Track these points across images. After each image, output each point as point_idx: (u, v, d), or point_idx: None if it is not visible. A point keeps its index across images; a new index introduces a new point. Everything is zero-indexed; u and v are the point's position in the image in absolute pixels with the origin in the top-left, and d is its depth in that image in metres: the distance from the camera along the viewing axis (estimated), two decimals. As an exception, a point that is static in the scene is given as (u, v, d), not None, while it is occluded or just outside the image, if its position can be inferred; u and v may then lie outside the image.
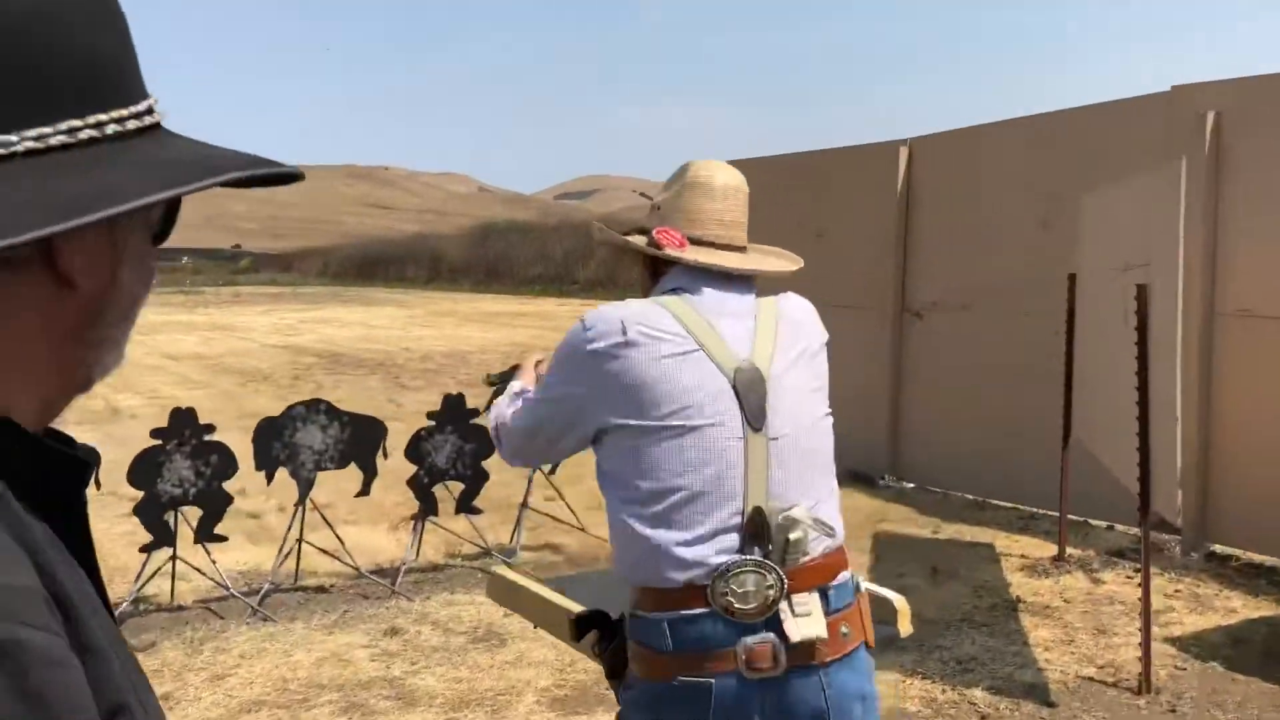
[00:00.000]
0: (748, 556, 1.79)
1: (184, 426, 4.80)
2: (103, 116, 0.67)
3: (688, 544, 1.80)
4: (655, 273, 2.03)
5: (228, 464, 4.91)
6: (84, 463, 0.70)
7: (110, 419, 10.87)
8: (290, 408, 5.14)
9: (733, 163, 2.13)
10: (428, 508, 5.48)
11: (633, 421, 1.84)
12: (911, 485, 7.77)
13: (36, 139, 0.64)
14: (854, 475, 7.95)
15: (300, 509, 5.19)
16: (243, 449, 5.11)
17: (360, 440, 5.25)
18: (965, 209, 7.45)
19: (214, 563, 5.04)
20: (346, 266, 62.45)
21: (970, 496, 7.31)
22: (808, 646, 1.80)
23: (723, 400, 1.84)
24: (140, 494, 4.77)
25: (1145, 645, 4.12)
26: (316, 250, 74.16)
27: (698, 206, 1.99)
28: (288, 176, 0.71)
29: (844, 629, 1.87)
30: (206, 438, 4.86)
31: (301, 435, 5.09)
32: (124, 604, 4.86)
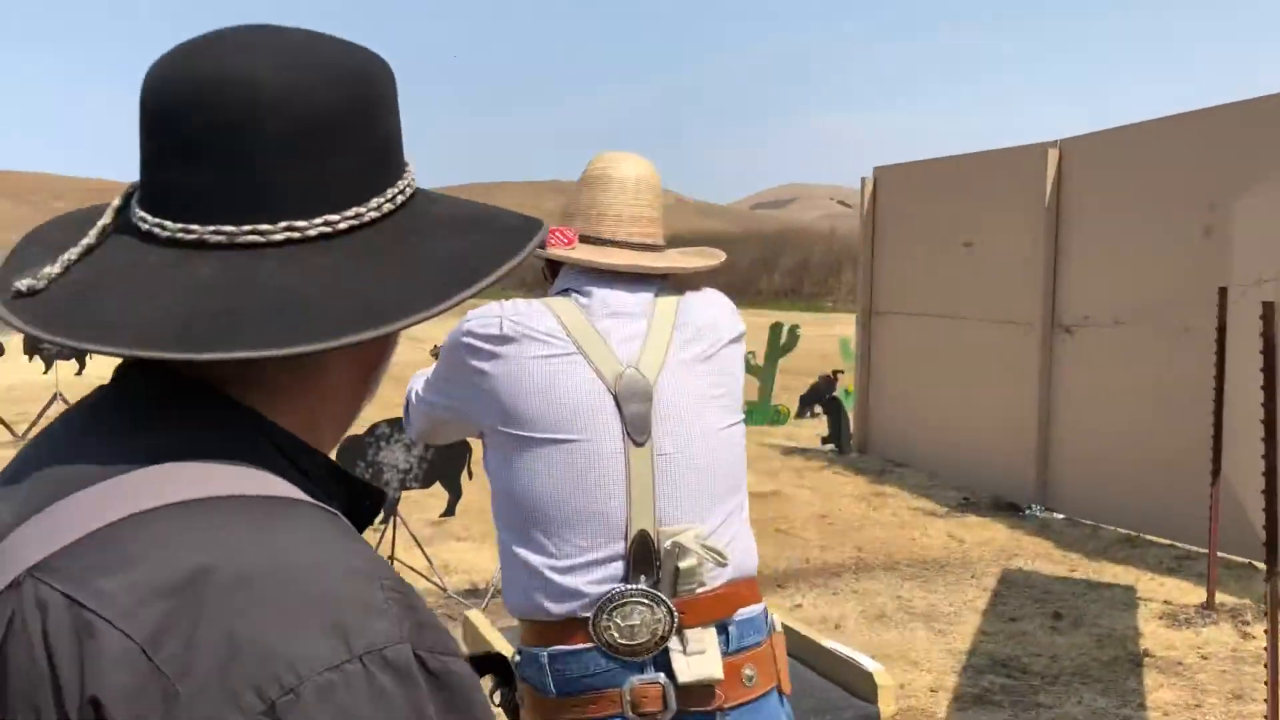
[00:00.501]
0: (633, 586, 1.61)
1: None
2: (397, 187, 0.76)
3: (563, 571, 1.62)
4: (553, 275, 1.87)
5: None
6: (382, 494, 0.78)
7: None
8: (374, 426, 5.12)
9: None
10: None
11: (502, 428, 1.67)
12: (1061, 517, 7.14)
13: (354, 215, 0.72)
14: (996, 503, 7.39)
15: (385, 528, 5.16)
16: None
17: (446, 459, 5.19)
18: (1121, 215, 6.80)
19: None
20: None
21: (1122, 531, 6.65)
22: (701, 689, 1.61)
23: (601, 411, 1.64)
24: None
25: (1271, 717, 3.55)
26: (522, 264, 76.43)
27: (592, 201, 1.81)
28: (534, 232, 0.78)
29: (748, 671, 1.66)
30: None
31: (385, 454, 5.07)
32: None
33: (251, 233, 0.69)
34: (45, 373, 10.75)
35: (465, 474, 5.23)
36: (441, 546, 6.08)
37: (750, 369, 11.37)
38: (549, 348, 1.67)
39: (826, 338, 19.66)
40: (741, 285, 44.16)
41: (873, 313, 9.44)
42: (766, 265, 43.88)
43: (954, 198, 8.26)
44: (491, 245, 0.75)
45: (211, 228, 0.69)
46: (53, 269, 0.70)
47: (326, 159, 0.71)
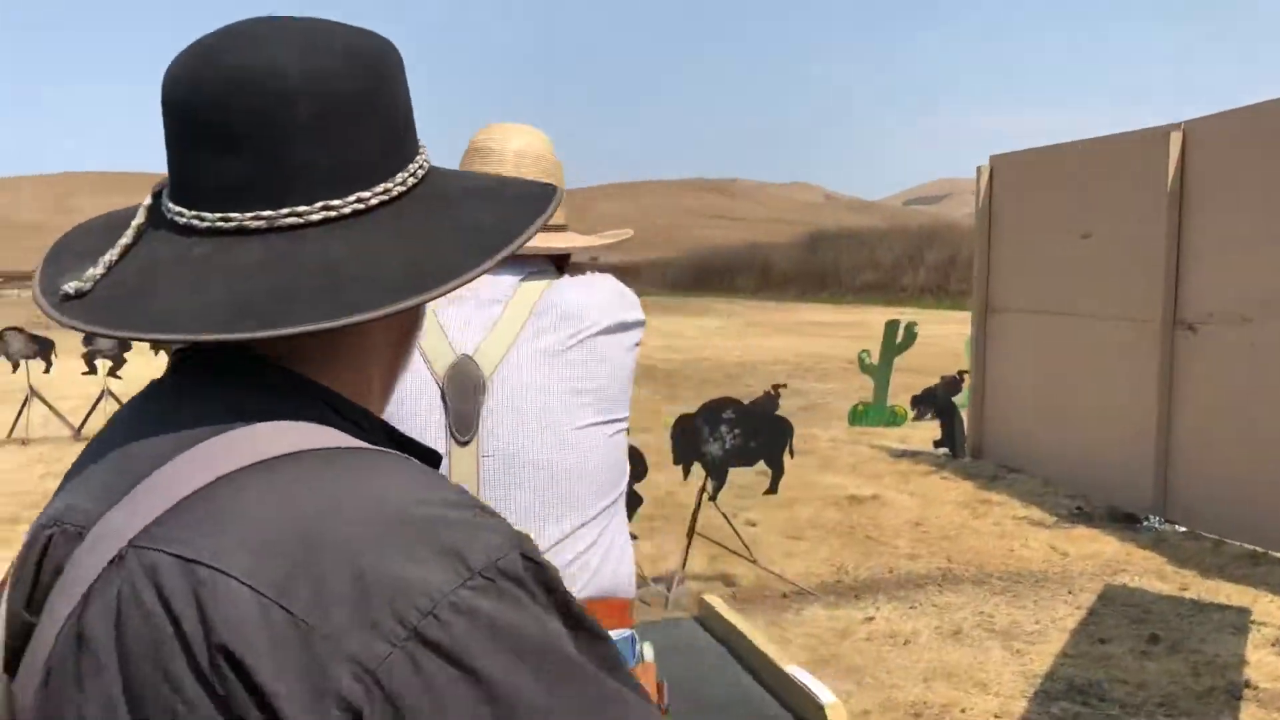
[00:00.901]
0: None
1: None
2: (416, 162, 0.80)
3: None
4: None
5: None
6: (437, 455, 0.80)
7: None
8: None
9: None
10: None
11: None
12: (1181, 530, 6.60)
13: (383, 191, 0.76)
14: (1112, 514, 6.90)
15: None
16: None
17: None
18: (1249, 202, 6.23)
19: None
20: (683, 276, 64.05)
21: (1247, 547, 6.09)
22: None
23: (424, 406, 1.50)
24: None
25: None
26: (659, 262, 76.65)
27: None
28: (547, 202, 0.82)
29: None
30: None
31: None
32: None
33: (290, 215, 0.73)
34: (84, 373, 11.12)
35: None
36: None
37: (865, 368, 11.00)
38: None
39: (964, 336, 18.96)
40: (885, 281, 43.03)
41: (988, 310, 8.97)
42: (912, 261, 42.70)
43: (1072, 187, 7.76)
44: (514, 210, 0.79)
45: (250, 214, 0.73)
46: (95, 270, 0.74)
47: (353, 139, 0.75)
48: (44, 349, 10.36)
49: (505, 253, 0.75)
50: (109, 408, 10.76)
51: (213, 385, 0.74)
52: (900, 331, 10.70)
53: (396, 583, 0.61)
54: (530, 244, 1.58)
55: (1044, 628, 4.87)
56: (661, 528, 6.54)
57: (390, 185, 0.77)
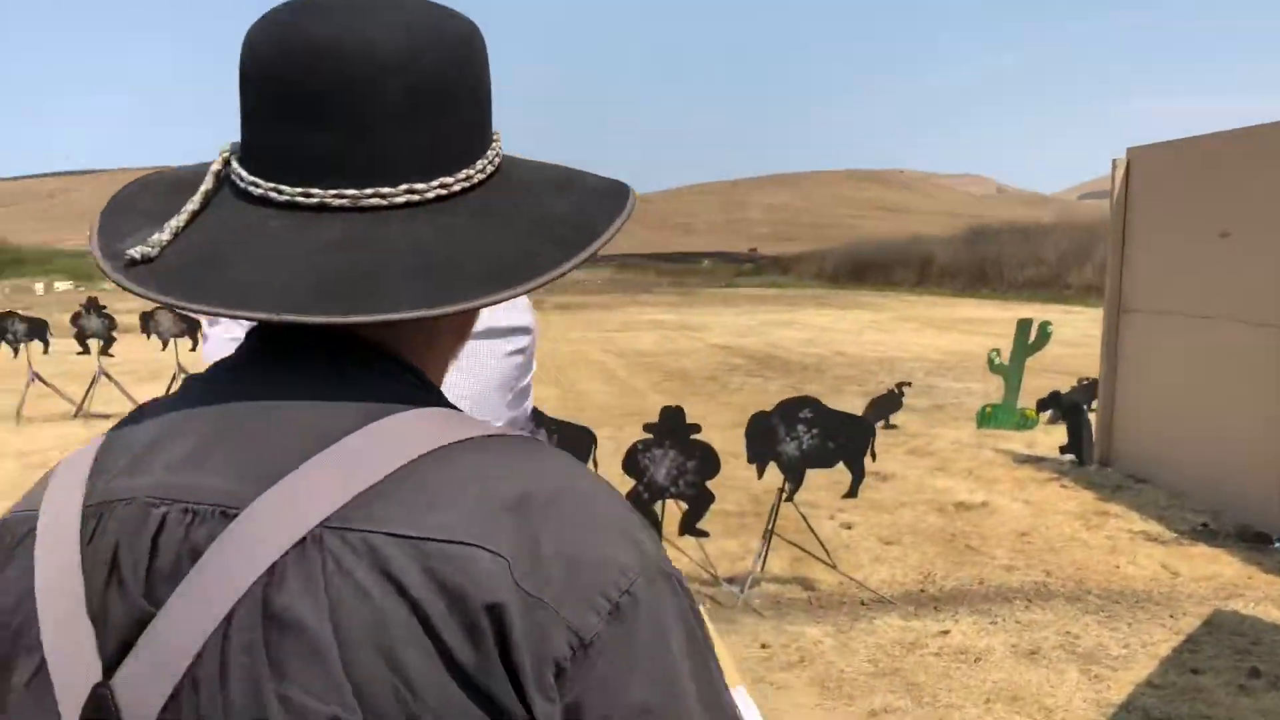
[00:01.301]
0: None
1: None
2: (494, 149, 0.79)
3: None
4: None
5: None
6: None
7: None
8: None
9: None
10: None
11: None
12: (1318, 553, 6.08)
13: (465, 178, 0.75)
14: (1242, 533, 6.41)
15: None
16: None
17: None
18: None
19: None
20: (840, 269, 63.02)
21: (1388, 577, 5.56)
22: None
23: None
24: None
25: None
26: (815, 254, 75.60)
27: None
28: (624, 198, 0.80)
29: None
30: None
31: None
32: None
33: (374, 195, 0.71)
34: (164, 349, 11.22)
35: (591, 464, 5.10)
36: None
37: (995, 368, 10.55)
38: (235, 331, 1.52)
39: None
40: (1049, 278, 41.21)
41: (1120, 310, 8.46)
42: (1078, 258, 40.76)
43: (1212, 181, 7.23)
44: (594, 205, 0.77)
45: (333, 191, 0.70)
46: (162, 236, 0.71)
47: (439, 121, 0.73)
48: (192, 328, 10.87)
49: (589, 251, 0.73)
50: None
51: (325, 366, 0.71)
52: (1033, 331, 10.22)
53: (600, 561, 0.64)
54: None
55: (1132, 652, 4.55)
56: (751, 525, 6.42)
57: (472, 172, 0.75)
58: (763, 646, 4.65)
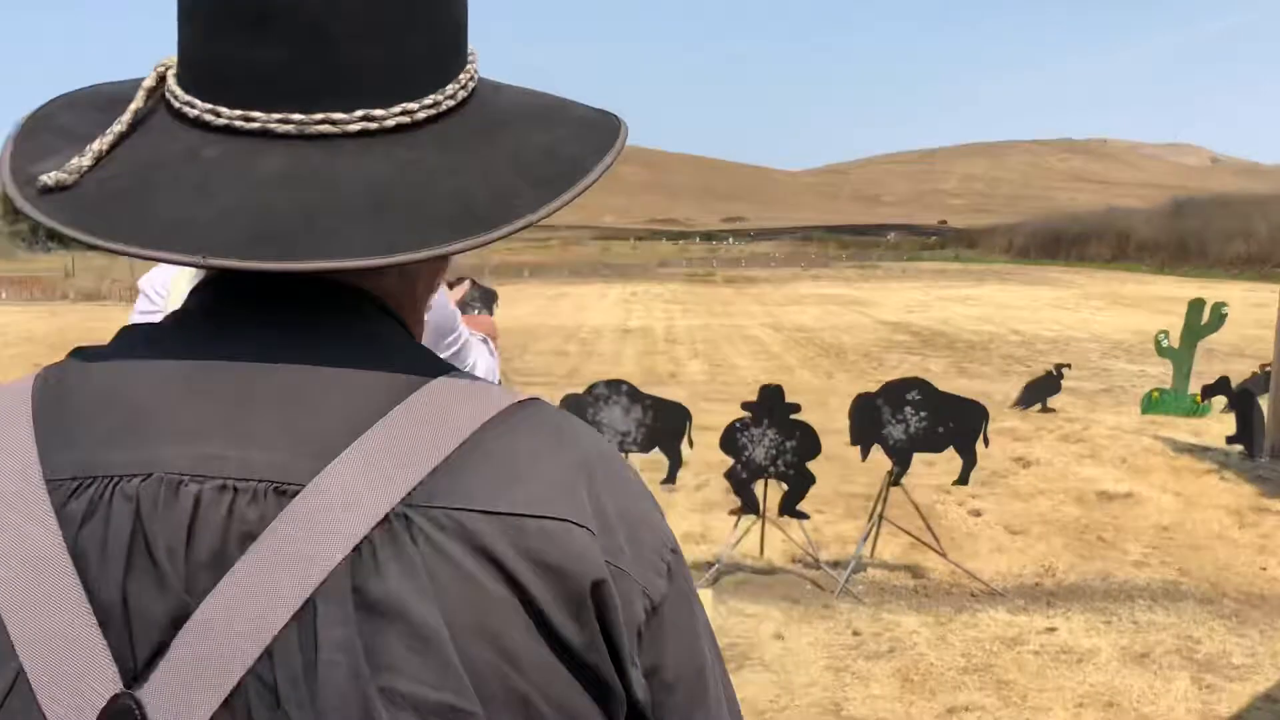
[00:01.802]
0: None
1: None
2: (467, 73, 0.70)
3: None
4: None
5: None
6: None
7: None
8: (593, 386, 5.12)
9: None
10: (747, 505, 5.10)
11: None
12: None
13: (432, 104, 0.66)
14: None
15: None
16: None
17: (665, 425, 5.08)
18: None
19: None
20: (1031, 243, 60.47)
21: None
22: None
23: None
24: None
25: None
26: (1005, 227, 72.68)
27: None
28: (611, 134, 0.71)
29: None
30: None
31: (604, 414, 5.05)
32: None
33: (324, 122, 0.62)
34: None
35: (686, 441, 5.05)
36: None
37: (1162, 351, 9.90)
38: (149, 305, 1.53)
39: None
40: (1260, 255, 38.31)
41: (1300, 290, 7.78)
42: (1293, 233, 37.75)
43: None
44: (579, 139, 0.68)
45: (278, 115, 0.62)
46: (82, 161, 0.63)
47: (404, 38, 0.64)
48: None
49: (574, 193, 0.65)
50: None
51: (307, 318, 0.63)
52: (1206, 312, 9.52)
53: (652, 526, 0.64)
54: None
55: (1257, 662, 4.19)
56: (867, 508, 6.23)
57: (440, 97, 0.66)
58: (854, 634, 4.51)
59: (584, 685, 0.59)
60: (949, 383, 11.32)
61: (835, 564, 5.33)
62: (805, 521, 5.19)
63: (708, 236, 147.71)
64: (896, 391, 5.03)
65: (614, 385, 5.04)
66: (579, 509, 0.60)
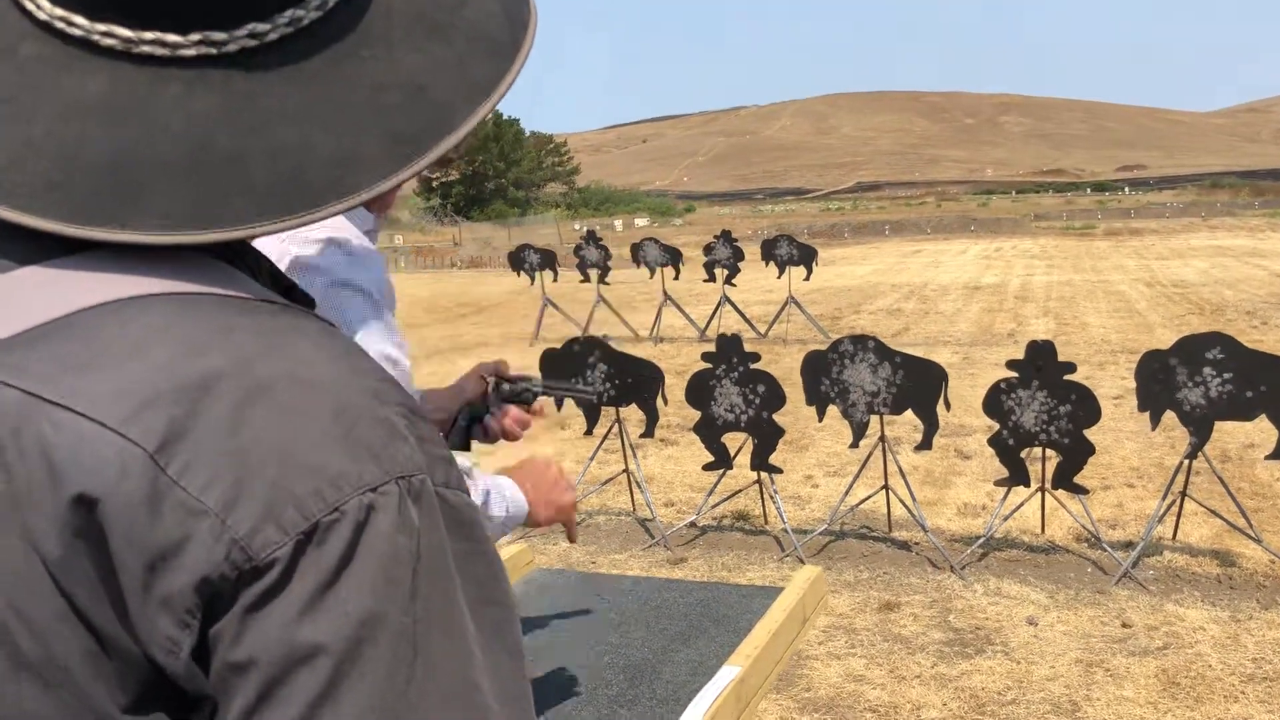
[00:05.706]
0: None
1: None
2: None
3: None
4: None
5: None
6: (311, 300, 0.65)
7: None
8: (837, 341, 4.78)
9: None
10: (1015, 474, 4.60)
11: None
12: None
13: (289, 22, 0.55)
14: None
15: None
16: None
17: (919, 385, 4.66)
18: None
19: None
20: None
21: None
22: None
23: None
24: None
25: None
26: None
27: None
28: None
29: None
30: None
31: (850, 373, 4.72)
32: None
33: (155, 42, 0.52)
34: (650, 278, 11.78)
35: (943, 403, 4.63)
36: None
37: None
38: None
39: None
40: None
41: None
42: None
43: None
44: (461, 65, 0.57)
45: (103, 27, 0.52)
46: None
47: None
48: (674, 258, 11.52)
49: (427, 160, 0.55)
50: (724, 314, 11.73)
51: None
52: None
53: (304, 465, 0.50)
54: None
55: None
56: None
57: (301, 12, 0.54)
58: (1123, 625, 3.95)
59: (63, 602, 0.49)
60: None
61: (1127, 545, 4.71)
62: (1086, 496, 4.62)
63: (1100, 188, 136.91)
64: (1194, 348, 4.32)
65: (860, 341, 4.70)
66: (141, 420, 0.49)
